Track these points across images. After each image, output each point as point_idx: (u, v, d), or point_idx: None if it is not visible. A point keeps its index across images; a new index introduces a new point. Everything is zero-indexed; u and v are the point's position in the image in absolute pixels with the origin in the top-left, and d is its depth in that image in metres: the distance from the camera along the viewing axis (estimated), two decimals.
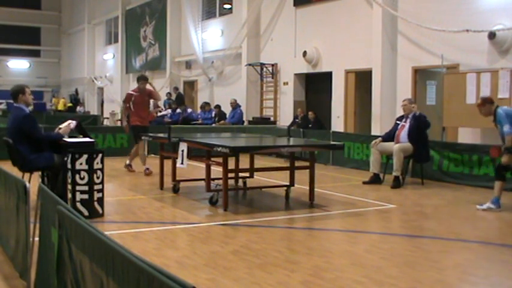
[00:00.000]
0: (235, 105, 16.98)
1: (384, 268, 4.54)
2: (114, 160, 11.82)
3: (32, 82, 31.23)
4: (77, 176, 6.03)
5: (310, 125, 14.88)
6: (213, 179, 7.65)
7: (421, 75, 12.74)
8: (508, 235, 5.98)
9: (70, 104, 31.21)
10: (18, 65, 36.73)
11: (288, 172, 7.79)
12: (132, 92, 10.44)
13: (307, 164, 7.49)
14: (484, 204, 7.08)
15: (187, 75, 22.30)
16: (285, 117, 16.57)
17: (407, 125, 9.13)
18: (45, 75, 36.98)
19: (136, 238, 5.46)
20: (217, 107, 17.98)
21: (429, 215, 7.02)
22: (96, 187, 6.13)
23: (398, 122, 9.39)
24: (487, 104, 7.16)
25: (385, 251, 5.07)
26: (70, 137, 6.71)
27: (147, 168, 9.99)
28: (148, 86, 10.59)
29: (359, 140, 11.45)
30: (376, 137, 9.88)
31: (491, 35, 10.56)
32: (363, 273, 4.36)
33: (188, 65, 22.23)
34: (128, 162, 10.47)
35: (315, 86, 16.41)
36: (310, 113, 15.28)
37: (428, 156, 9.30)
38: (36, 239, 3.79)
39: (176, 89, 21.60)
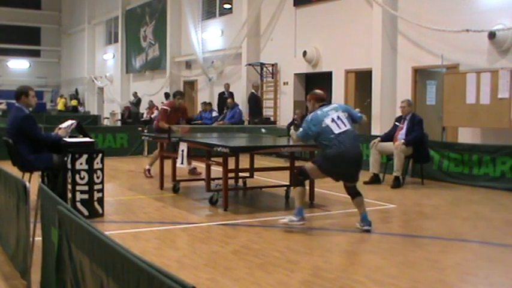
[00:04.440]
0: (233, 105, 16.72)
1: (383, 268, 4.54)
2: (114, 160, 11.83)
3: (32, 82, 31.20)
4: (77, 176, 6.04)
5: None
6: (213, 179, 7.65)
7: (421, 75, 12.73)
8: (508, 235, 5.98)
9: (74, 103, 30.82)
10: (18, 65, 36.74)
11: (288, 172, 7.79)
12: (166, 108, 9.95)
13: None
14: (286, 217, 5.93)
15: (187, 75, 22.30)
16: (285, 117, 16.56)
17: (405, 127, 9.14)
18: (45, 75, 37.00)
19: (136, 238, 5.47)
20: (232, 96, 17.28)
21: (429, 215, 7.02)
22: (96, 187, 6.13)
23: (397, 123, 9.40)
24: (312, 100, 6.19)
25: (385, 251, 5.07)
26: (70, 137, 6.71)
27: (149, 170, 9.67)
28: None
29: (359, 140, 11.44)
30: (376, 136, 9.89)
31: (491, 35, 10.55)
32: (363, 273, 4.36)
33: (188, 65, 22.23)
34: (147, 166, 9.81)
35: (315, 86, 16.33)
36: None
37: (428, 157, 9.30)
38: (37, 238, 3.79)
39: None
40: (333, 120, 5.80)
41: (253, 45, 17.73)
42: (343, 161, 5.71)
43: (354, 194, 6.00)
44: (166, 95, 21.46)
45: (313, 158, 7.50)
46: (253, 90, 16.34)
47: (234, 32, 18.49)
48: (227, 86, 17.84)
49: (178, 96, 10.00)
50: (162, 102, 13.00)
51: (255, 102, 16.64)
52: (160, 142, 8.62)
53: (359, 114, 6.19)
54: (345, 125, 5.81)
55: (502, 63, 10.57)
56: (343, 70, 14.60)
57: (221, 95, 18.08)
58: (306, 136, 5.97)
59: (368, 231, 5.78)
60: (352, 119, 6.01)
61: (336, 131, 5.74)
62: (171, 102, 10.13)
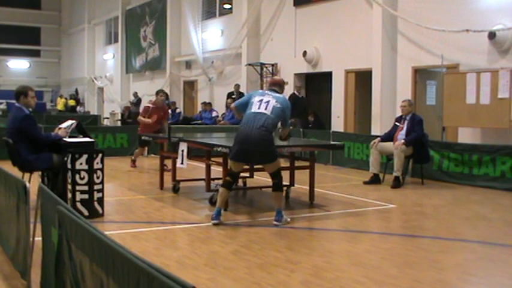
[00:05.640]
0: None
1: (384, 268, 4.54)
2: (114, 160, 11.83)
3: (32, 82, 31.20)
4: (77, 176, 6.03)
5: (310, 125, 14.87)
6: (213, 179, 7.65)
7: (421, 75, 12.73)
8: (508, 235, 5.98)
9: (72, 103, 30.84)
10: (18, 65, 36.72)
11: (288, 172, 7.79)
12: (148, 105, 10.86)
13: (307, 164, 7.49)
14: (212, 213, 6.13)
15: (187, 75, 22.29)
16: None
17: (405, 127, 9.14)
18: (45, 75, 36.98)
19: (136, 238, 5.46)
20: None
21: (429, 215, 7.02)
22: (96, 187, 6.13)
23: (397, 123, 9.39)
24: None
25: (385, 251, 5.07)
26: (70, 137, 6.71)
27: (134, 161, 10.96)
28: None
29: (359, 140, 11.46)
30: (376, 136, 9.89)
31: (491, 35, 10.55)
32: (363, 273, 4.36)
33: (188, 65, 22.22)
34: (133, 157, 11.11)
35: (315, 86, 16.40)
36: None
37: (428, 157, 9.30)
38: (37, 238, 3.79)
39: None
40: (260, 101, 6.00)
41: (253, 45, 17.73)
42: (242, 138, 5.91)
43: (274, 186, 6.22)
44: (166, 95, 21.44)
45: (314, 158, 7.51)
46: (294, 91, 15.75)
47: (234, 32, 18.49)
48: (237, 87, 17.74)
49: (161, 94, 10.75)
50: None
51: (292, 103, 16.28)
52: (160, 142, 8.63)
53: (289, 122, 6.42)
54: (266, 110, 5.93)
55: (502, 63, 10.58)
56: (343, 70, 14.60)
57: (230, 95, 18.06)
58: (237, 103, 6.39)
59: (275, 225, 5.96)
60: (283, 118, 6.12)
61: (254, 109, 5.95)
62: (154, 101, 10.97)
